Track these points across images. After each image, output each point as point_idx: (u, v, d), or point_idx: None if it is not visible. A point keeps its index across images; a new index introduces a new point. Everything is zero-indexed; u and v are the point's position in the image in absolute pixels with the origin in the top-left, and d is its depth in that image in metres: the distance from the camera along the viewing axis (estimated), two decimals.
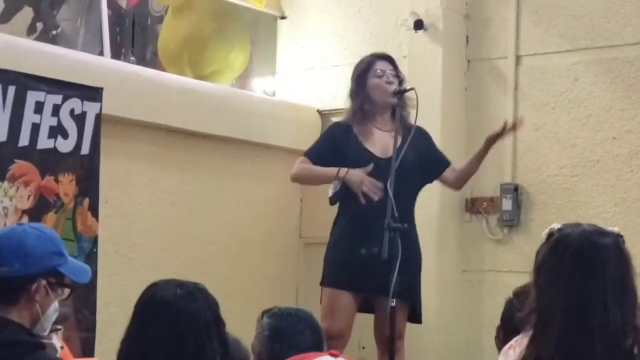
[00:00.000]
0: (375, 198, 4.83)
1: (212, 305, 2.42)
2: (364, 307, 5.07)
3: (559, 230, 2.38)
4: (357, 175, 4.91)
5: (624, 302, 2.25)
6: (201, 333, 2.33)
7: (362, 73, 5.15)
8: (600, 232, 2.35)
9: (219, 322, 2.40)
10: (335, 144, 5.12)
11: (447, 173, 5.30)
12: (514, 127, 5.12)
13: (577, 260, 2.29)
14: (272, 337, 3.11)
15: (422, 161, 5.07)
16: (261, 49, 7.27)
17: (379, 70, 5.09)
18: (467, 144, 6.39)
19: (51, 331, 2.88)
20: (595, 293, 2.25)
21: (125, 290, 5.61)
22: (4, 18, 6.26)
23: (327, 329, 4.86)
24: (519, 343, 2.35)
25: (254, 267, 6.42)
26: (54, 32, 6.37)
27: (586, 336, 2.21)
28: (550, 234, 2.38)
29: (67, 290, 2.86)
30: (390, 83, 5.04)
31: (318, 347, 3.08)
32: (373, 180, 4.86)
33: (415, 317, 5.08)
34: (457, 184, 5.34)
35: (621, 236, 2.36)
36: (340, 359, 2.06)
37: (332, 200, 5.12)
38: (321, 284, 5.13)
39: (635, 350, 2.22)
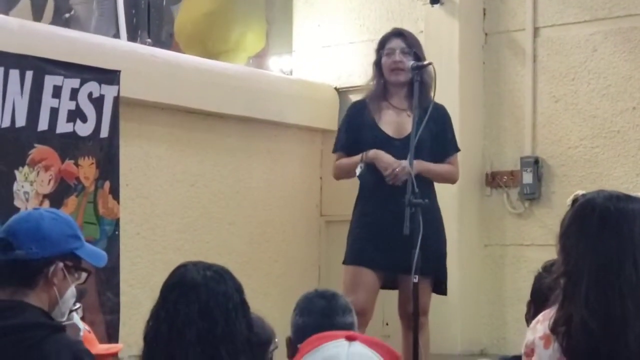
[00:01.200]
0: (399, 183, 4.81)
1: (238, 287, 2.44)
2: (387, 284, 5.07)
3: (584, 195, 2.38)
4: (386, 157, 4.90)
5: None
6: (230, 313, 2.35)
7: (378, 51, 5.14)
8: (627, 197, 2.36)
9: (244, 304, 2.42)
10: (354, 128, 5.11)
11: (449, 161, 5.18)
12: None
13: (603, 221, 2.29)
14: (298, 312, 3.15)
15: (435, 140, 5.04)
16: (277, 27, 7.25)
17: (388, 49, 5.07)
18: (485, 118, 6.37)
19: (70, 311, 2.88)
20: (624, 252, 2.25)
21: (148, 271, 5.64)
22: (12, 3, 6.24)
23: None
24: (546, 316, 2.34)
25: (275, 247, 6.43)
26: (66, 15, 6.36)
27: (617, 294, 2.21)
28: (575, 200, 2.38)
29: (84, 274, 2.87)
30: (396, 62, 5.00)
31: (328, 312, 3.09)
32: (400, 169, 4.83)
33: (440, 288, 5.07)
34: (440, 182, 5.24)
35: None
36: (356, 343, 2.04)
37: (361, 179, 5.11)
38: (344, 262, 5.13)
39: None
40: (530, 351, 2.38)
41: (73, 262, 2.84)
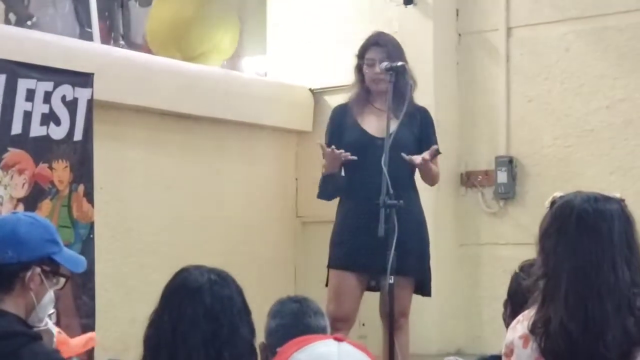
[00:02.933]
0: (353, 157, 4.79)
1: (240, 291, 2.43)
2: (371, 286, 5.06)
3: (562, 197, 2.39)
4: (327, 159, 4.90)
5: (631, 262, 2.26)
6: (234, 318, 2.34)
7: (358, 58, 5.11)
8: (604, 197, 2.36)
9: (247, 308, 2.41)
10: (339, 131, 5.09)
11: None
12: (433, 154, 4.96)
13: (582, 222, 2.29)
14: (270, 316, 3.14)
15: (416, 142, 5.03)
16: (251, 29, 7.25)
17: (369, 59, 5.04)
18: (459, 118, 6.39)
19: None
20: (603, 253, 2.26)
21: (123, 275, 5.62)
22: None
23: (333, 311, 4.85)
24: (526, 317, 2.34)
25: (251, 248, 6.42)
26: (29, 23, 6.32)
27: (595, 296, 2.22)
28: (553, 202, 2.38)
29: (62, 280, 2.84)
30: (377, 74, 4.97)
31: (299, 314, 3.10)
32: (333, 149, 4.83)
33: (424, 290, 5.07)
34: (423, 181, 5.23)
35: (623, 201, 2.36)
36: (345, 344, 2.04)
37: (320, 195, 5.09)
38: (328, 266, 5.12)
39: None
40: (510, 351, 2.38)
41: (51, 267, 2.82)
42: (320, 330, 3.05)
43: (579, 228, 2.30)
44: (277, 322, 3.08)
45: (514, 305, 2.83)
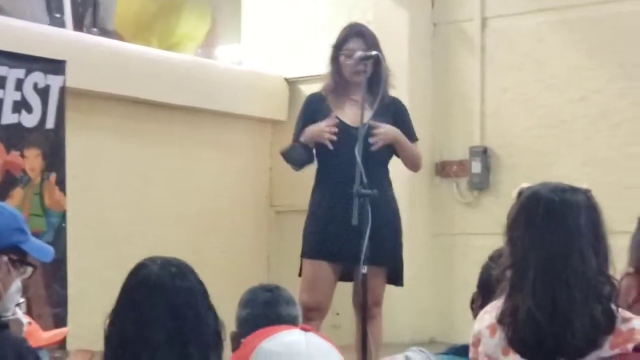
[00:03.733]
0: (335, 138, 4.78)
1: (200, 280, 2.40)
2: (345, 276, 5.05)
3: (529, 188, 2.39)
4: (314, 126, 4.88)
5: (598, 252, 2.27)
6: (198, 309, 2.31)
7: (336, 48, 5.07)
8: (570, 188, 2.37)
9: (207, 295, 2.38)
10: (312, 120, 5.06)
11: None
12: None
13: (548, 212, 2.29)
14: (241, 305, 3.13)
15: None
16: (226, 17, 7.22)
17: (347, 50, 5.02)
18: (434, 108, 6.40)
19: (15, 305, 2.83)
20: (570, 243, 2.26)
21: (95, 264, 5.59)
22: None
23: (306, 301, 4.84)
24: (494, 307, 2.35)
25: (225, 238, 6.40)
26: None
27: (563, 285, 2.22)
28: (521, 192, 2.39)
29: (29, 269, 2.81)
30: (357, 65, 4.95)
31: (272, 303, 3.08)
32: (327, 122, 4.80)
33: (396, 280, 5.08)
34: (405, 166, 5.23)
35: (590, 191, 2.37)
36: (311, 334, 2.03)
37: (293, 161, 5.03)
38: (301, 255, 5.11)
39: (613, 301, 2.23)
40: (477, 341, 2.39)
41: (18, 256, 2.79)
42: (291, 320, 3.03)
43: (546, 218, 2.30)
44: (248, 311, 3.07)
45: (484, 295, 2.84)
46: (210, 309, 2.33)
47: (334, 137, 4.83)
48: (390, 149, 5.00)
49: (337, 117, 4.96)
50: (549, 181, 2.40)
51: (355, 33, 5.03)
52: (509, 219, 2.37)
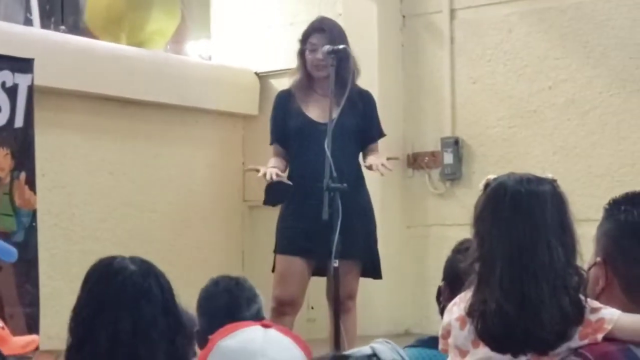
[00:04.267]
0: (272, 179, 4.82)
1: (165, 281, 2.38)
2: (318, 271, 5.05)
3: (495, 179, 2.39)
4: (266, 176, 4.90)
5: (565, 243, 2.26)
6: (156, 308, 2.29)
7: (301, 43, 5.08)
8: (537, 179, 2.36)
9: (173, 299, 2.36)
10: (280, 117, 5.07)
11: (368, 148, 5.18)
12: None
13: (515, 204, 2.29)
14: (200, 312, 3.09)
15: (358, 127, 5.02)
16: (195, 12, 7.18)
17: (311, 44, 5.02)
18: (405, 100, 6.41)
19: None
20: (537, 234, 2.25)
21: (67, 262, 5.56)
22: None
23: (279, 295, 4.84)
24: (462, 299, 2.35)
25: (198, 234, 6.38)
26: None
27: (531, 277, 2.22)
28: (487, 185, 2.39)
29: None
30: (319, 60, 4.94)
31: (232, 308, 3.06)
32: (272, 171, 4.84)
33: (375, 272, 5.08)
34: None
35: (555, 181, 2.38)
36: (272, 330, 2.03)
37: (266, 201, 5.07)
38: (274, 251, 5.10)
39: (581, 292, 2.23)
40: (447, 333, 2.39)
41: None
42: (253, 316, 3.01)
43: (512, 210, 2.29)
44: (207, 320, 3.02)
45: (450, 287, 2.84)
46: (174, 311, 2.30)
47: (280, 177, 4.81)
48: (358, 143, 5.00)
49: (304, 114, 4.96)
50: (515, 172, 2.41)
51: (318, 28, 5.03)
52: (476, 211, 2.37)
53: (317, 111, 4.98)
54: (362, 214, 4.92)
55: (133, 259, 2.35)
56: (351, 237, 4.57)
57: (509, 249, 2.27)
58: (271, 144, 5.15)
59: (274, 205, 5.06)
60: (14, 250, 2.92)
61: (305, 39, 5.02)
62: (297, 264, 4.89)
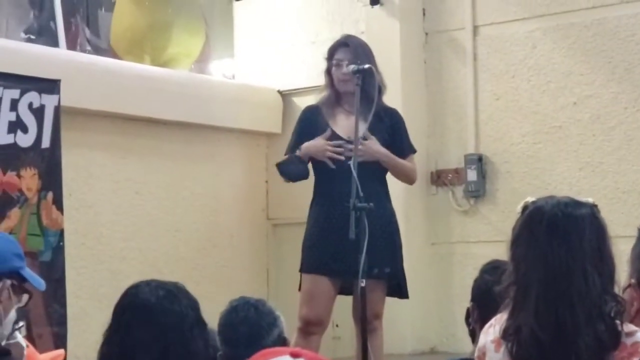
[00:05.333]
0: (342, 158, 4.79)
1: (193, 305, 2.39)
2: (344, 290, 5.04)
3: (533, 202, 2.35)
4: (314, 143, 4.88)
5: (602, 270, 2.21)
6: (185, 333, 2.30)
7: (328, 60, 5.11)
8: (575, 203, 2.31)
9: (200, 322, 2.37)
10: (307, 132, 5.07)
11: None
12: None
13: (552, 229, 2.25)
14: (221, 339, 3.09)
15: (387, 143, 5.02)
16: (218, 32, 7.22)
17: (336, 60, 5.04)
18: (428, 117, 6.40)
19: (14, 330, 2.81)
20: (573, 261, 2.21)
21: (94, 282, 5.58)
22: None
23: (306, 315, 4.83)
24: (498, 320, 2.31)
25: (223, 252, 6.39)
26: None
27: (566, 304, 2.18)
28: (525, 207, 2.35)
29: (25, 297, 2.80)
30: (345, 74, 4.96)
31: (254, 337, 3.05)
32: (333, 143, 4.82)
33: (401, 292, 5.07)
34: (400, 180, 5.21)
35: (596, 206, 2.32)
36: (301, 359, 2.03)
37: (287, 175, 5.05)
38: (300, 270, 5.10)
39: (618, 319, 2.19)
40: (483, 355, 2.35)
41: (18, 281, 2.78)
42: (274, 342, 2.99)
43: (548, 234, 2.25)
44: (230, 350, 3.01)
45: (481, 308, 2.81)
46: (202, 335, 2.31)
47: (339, 157, 4.82)
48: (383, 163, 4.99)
49: (332, 130, 4.96)
50: (554, 195, 2.36)
51: (343, 43, 5.06)
52: (513, 235, 2.34)
53: (345, 129, 4.98)
54: (388, 233, 4.91)
55: (157, 285, 2.37)
56: (377, 257, 4.56)
57: (544, 274, 2.23)
58: (285, 155, 5.14)
59: (295, 178, 5.02)
60: (42, 280, 2.94)
61: (330, 55, 5.05)
62: (324, 283, 4.88)
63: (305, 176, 5.00)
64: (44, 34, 6.15)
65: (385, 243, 4.78)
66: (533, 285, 2.23)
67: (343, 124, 4.99)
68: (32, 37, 6.13)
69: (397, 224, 4.99)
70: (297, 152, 4.91)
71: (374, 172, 4.86)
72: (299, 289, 4.98)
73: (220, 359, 3.00)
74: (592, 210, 2.29)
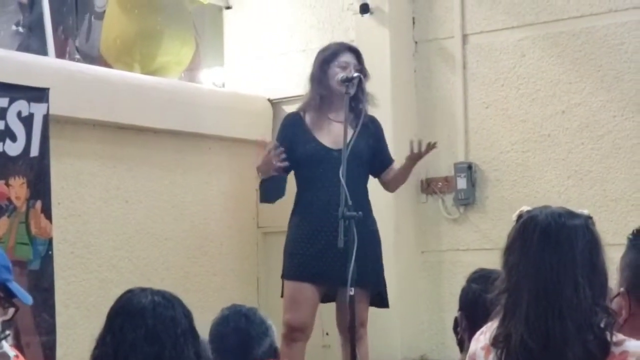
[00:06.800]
0: (284, 164, 4.84)
1: (187, 314, 2.40)
2: (326, 297, 5.06)
3: (528, 212, 2.35)
4: (261, 161, 4.93)
5: (594, 282, 2.22)
6: (178, 339, 2.30)
7: (326, 60, 5.06)
8: (569, 214, 2.31)
9: (193, 331, 2.38)
10: (290, 140, 5.07)
11: (386, 172, 5.22)
12: (432, 146, 5.04)
13: (545, 239, 2.26)
14: (213, 348, 3.08)
15: (370, 152, 5.04)
16: (208, 40, 7.22)
17: (343, 62, 5.03)
18: (418, 125, 6.41)
19: (1, 339, 2.80)
20: (564, 272, 2.21)
21: (83, 291, 5.57)
22: None
23: (289, 321, 4.84)
24: (489, 328, 2.32)
25: (214, 260, 6.39)
26: None
27: (556, 314, 2.19)
28: (520, 216, 2.36)
29: (11, 310, 2.79)
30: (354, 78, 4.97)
31: (244, 347, 3.04)
32: (271, 150, 4.88)
33: (382, 302, 5.08)
34: (390, 186, 5.25)
35: (591, 218, 2.33)
36: None
37: (262, 199, 5.14)
38: (282, 277, 5.10)
39: (608, 331, 2.19)
40: None
41: (4, 294, 2.77)
42: (265, 354, 2.99)
43: (541, 244, 2.26)
44: (220, 357, 3.01)
45: (469, 317, 2.82)
46: (193, 343, 2.32)
47: (284, 163, 4.86)
48: (367, 170, 5.01)
49: (316, 139, 4.97)
50: (549, 205, 2.37)
51: (348, 48, 5.08)
52: (506, 243, 2.34)
53: (329, 137, 4.99)
54: (371, 243, 4.92)
55: (152, 291, 2.37)
56: (362, 266, 4.57)
57: (536, 283, 2.23)
58: None
59: (271, 201, 5.07)
60: (29, 295, 2.93)
61: (334, 56, 5.02)
62: (307, 289, 4.89)
63: (281, 194, 5.03)
64: (34, 30, 6.13)
65: (369, 252, 4.80)
66: (524, 293, 2.24)
67: (326, 131, 5.00)
68: (21, 30, 6.11)
69: (378, 233, 5.00)
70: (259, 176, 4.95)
71: (359, 180, 4.88)
72: (282, 295, 4.99)
73: None
74: (586, 222, 2.30)
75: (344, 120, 4.82)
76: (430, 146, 4.95)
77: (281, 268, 5.23)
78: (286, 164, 4.87)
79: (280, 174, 5.00)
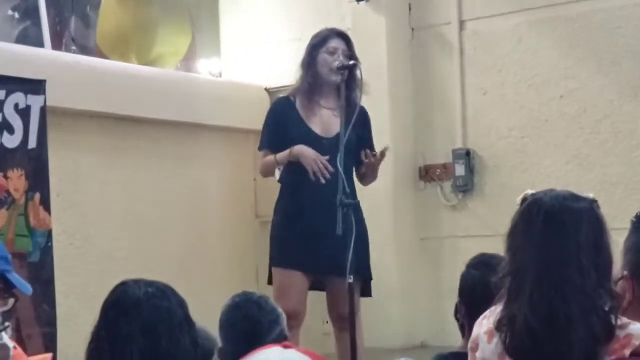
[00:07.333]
0: (323, 181, 4.78)
1: (182, 303, 2.39)
2: (314, 285, 5.04)
3: (532, 195, 2.34)
4: (309, 151, 4.87)
5: (598, 264, 2.21)
6: (174, 330, 2.30)
7: (315, 47, 5.03)
8: (574, 196, 2.30)
9: (189, 320, 2.37)
10: (280, 124, 5.04)
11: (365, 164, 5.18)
12: (383, 155, 4.98)
13: (549, 221, 2.24)
14: (222, 336, 3.08)
15: (358, 142, 5.02)
16: (204, 30, 7.21)
17: (331, 47, 5.01)
18: (415, 112, 6.41)
19: (0, 330, 2.80)
20: (568, 254, 2.20)
21: (83, 281, 5.57)
22: None
23: (282, 308, 4.84)
24: (492, 312, 2.32)
25: (212, 250, 6.39)
26: None
27: (560, 296, 2.18)
28: (524, 199, 2.35)
29: (11, 301, 2.78)
30: (342, 63, 4.94)
31: (255, 335, 3.04)
32: (325, 162, 4.80)
33: (365, 291, 5.07)
34: (365, 180, 5.19)
35: (595, 201, 2.32)
36: (291, 351, 2.04)
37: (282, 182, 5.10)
38: (270, 264, 5.08)
39: (613, 314, 2.19)
40: (475, 346, 2.36)
41: (4, 285, 2.77)
42: (276, 339, 2.99)
43: (545, 226, 2.24)
44: (231, 346, 3.00)
45: (468, 303, 2.82)
46: (189, 333, 2.32)
47: (322, 180, 4.81)
48: (354, 159, 4.99)
49: (307, 126, 4.95)
50: (554, 188, 2.36)
51: (337, 33, 5.05)
52: (510, 225, 2.34)
53: (320, 125, 4.97)
54: (360, 232, 4.91)
55: (145, 283, 2.37)
56: (353, 254, 4.55)
57: (540, 265, 2.22)
58: (261, 149, 5.12)
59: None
60: (29, 285, 2.93)
61: (323, 42, 5.00)
62: (296, 276, 4.88)
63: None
64: (30, 16, 6.12)
65: (359, 241, 4.78)
66: (528, 275, 2.23)
67: (317, 119, 4.98)
68: (17, 15, 6.10)
69: (365, 221, 4.97)
70: (280, 155, 4.89)
71: (348, 168, 4.87)
72: (268, 282, 4.97)
73: (219, 353, 3.00)
74: (591, 205, 2.29)
75: (335, 108, 4.81)
76: (382, 154, 4.90)
77: None
78: (322, 180, 4.83)
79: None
